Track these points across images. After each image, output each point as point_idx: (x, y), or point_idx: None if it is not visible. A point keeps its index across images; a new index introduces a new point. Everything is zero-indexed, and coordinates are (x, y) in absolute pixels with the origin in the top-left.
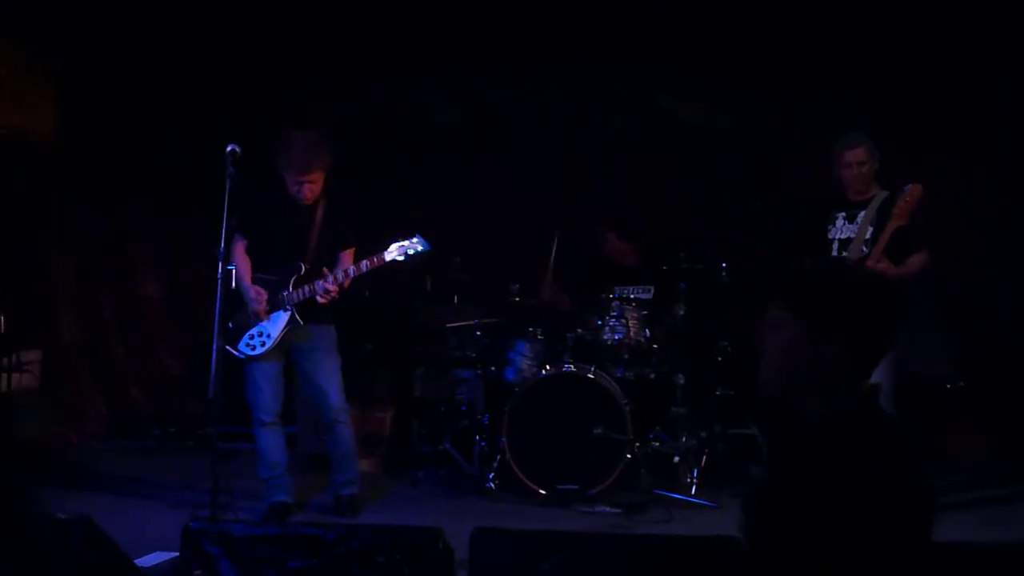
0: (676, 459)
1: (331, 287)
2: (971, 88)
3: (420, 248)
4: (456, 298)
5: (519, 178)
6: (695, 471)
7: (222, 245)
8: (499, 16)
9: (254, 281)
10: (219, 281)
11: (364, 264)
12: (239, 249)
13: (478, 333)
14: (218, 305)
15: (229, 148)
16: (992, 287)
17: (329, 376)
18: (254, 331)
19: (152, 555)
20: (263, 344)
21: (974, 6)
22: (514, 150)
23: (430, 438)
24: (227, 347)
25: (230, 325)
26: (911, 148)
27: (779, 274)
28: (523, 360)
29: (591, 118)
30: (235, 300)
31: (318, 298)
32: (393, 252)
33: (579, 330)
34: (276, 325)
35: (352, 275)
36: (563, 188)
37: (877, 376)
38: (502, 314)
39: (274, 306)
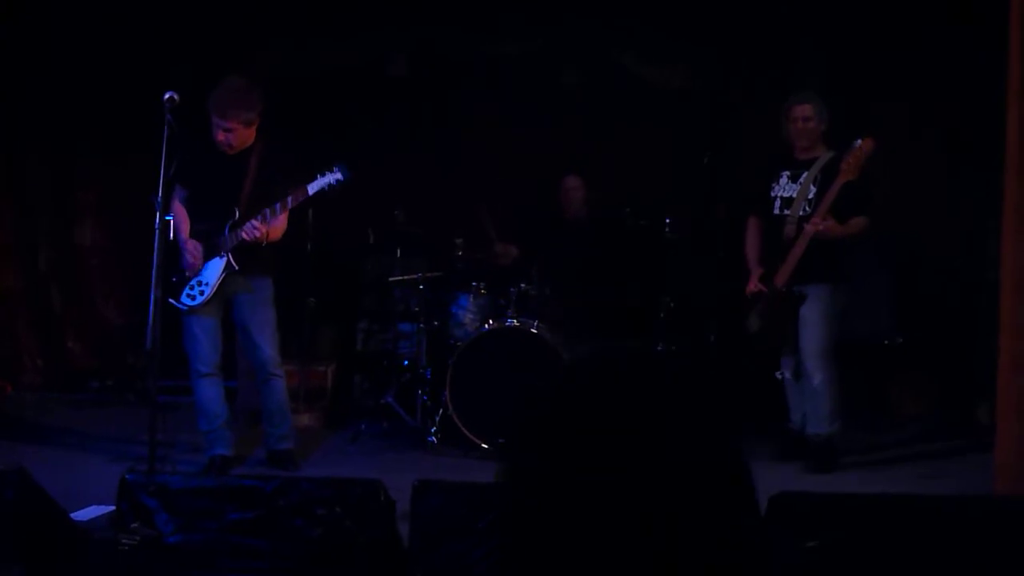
0: None
1: (259, 224)
2: (929, 49)
3: (341, 177)
4: (399, 252)
5: (467, 131)
6: None
7: (160, 194)
8: None
9: (192, 233)
10: (156, 231)
11: (289, 200)
12: (176, 200)
13: (421, 287)
14: (155, 255)
15: (167, 96)
16: (931, 244)
17: (264, 329)
18: (193, 281)
19: (89, 508)
20: (202, 293)
21: None
22: (462, 103)
23: (372, 392)
24: (170, 299)
25: (173, 279)
26: (862, 105)
27: None
28: (466, 314)
29: (544, 72)
30: (176, 252)
31: (243, 235)
32: (316, 184)
33: (522, 285)
34: (213, 272)
35: (279, 211)
36: (512, 142)
37: (814, 329)
38: (445, 268)
39: (210, 254)
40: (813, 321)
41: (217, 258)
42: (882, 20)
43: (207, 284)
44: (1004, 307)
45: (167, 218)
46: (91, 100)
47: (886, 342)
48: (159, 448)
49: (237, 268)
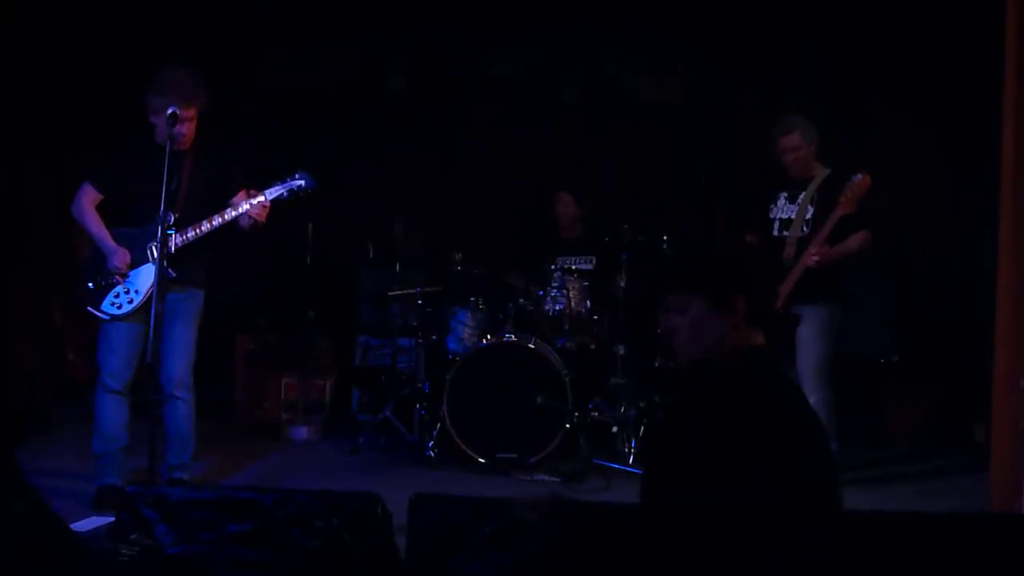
0: (615, 429)
1: (204, 228)
2: (929, 49)
3: (304, 184)
4: (398, 266)
5: (466, 143)
6: (633, 441)
7: (162, 208)
8: None
9: (115, 238)
10: (157, 245)
11: (242, 206)
12: (89, 204)
13: (420, 302)
14: (156, 268)
15: (170, 111)
16: (930, 249)
17: (179, 345)
18: (119, 289)
19: (88, 520)
20: (130, 302)
21: None
22: (460, 116)
23: (371, 406)
24: (88, 308)
25: (90, 285)
26: (862, 106)
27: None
28: (464, 329)
29: (542, 84)
30: (95, 259)
31: (191, 232)
32: (275, 190)
33: (520, 300)
34: (145, 280)
35: (229, 217)
36: (511, 158)
37: (811, 348)
38: (444, 283)
39: (140, 261)
40: (810, 341)
41: (149, 264)
42: (881, 20)
43: (137, 292)
44: (999, 324)
45: (169, 232)
46: (91, 107)
47: (883, 360)
48: (158, 461)
49: (174, 275)
